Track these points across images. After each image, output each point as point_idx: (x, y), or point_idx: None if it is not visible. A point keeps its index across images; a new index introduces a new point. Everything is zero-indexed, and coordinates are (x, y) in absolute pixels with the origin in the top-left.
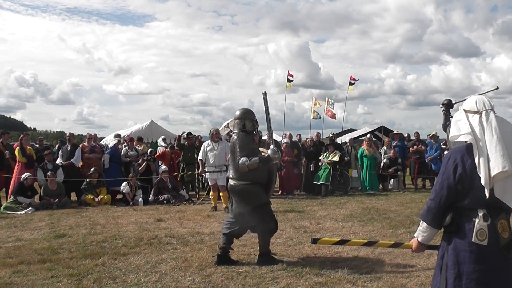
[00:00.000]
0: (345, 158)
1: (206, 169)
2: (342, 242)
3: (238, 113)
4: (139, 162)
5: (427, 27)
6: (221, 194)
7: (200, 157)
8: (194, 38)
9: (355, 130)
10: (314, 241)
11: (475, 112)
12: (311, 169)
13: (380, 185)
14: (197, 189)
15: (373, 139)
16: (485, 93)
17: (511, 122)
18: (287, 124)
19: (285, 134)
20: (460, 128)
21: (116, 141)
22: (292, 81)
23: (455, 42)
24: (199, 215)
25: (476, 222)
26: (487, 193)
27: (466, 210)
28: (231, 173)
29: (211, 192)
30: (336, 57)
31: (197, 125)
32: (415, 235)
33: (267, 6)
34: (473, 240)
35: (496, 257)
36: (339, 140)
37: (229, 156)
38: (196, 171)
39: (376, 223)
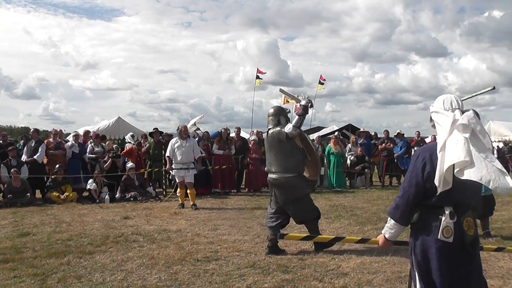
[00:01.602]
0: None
1: (173, 166)
2: (309, 238)
3: (272, 110)
4: (105, 159)
5: (395, 27)
6: (188, 191)
7: (167, 154)
8: (163, 34)
9: (323, 127)
10: (281, 236)
11: (443, 111)
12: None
13: (347, 182)
14: (164, 186)
15: (341, 137)
16: (481, 93)
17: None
18: (255, 121)
19: (253, 132)
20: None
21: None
22: (261, 78)
23: (423, 42)
24: (166, 213)
25: (443, 219)
26: (439, 189)
27: (433, 207)
28: (273, 167)
29: (178, 189)
30: (305, 54)
31: (165, 122)
32: (383, 231)
33: (236, 3)
34: (439, 237)
35: (462, 254)
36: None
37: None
38: (164, 168)
39: (343, 220)
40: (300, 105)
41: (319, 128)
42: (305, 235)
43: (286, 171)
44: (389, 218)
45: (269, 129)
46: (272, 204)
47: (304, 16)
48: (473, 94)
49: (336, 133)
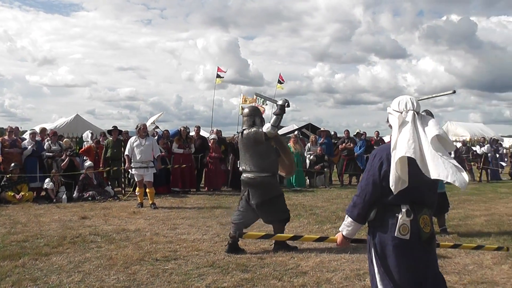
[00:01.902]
0: None
1: (132, 165)
2: (267, 236)
3: (247, 111)
4: (62, 157)
5: (356, 28)
6: (147, 190)
7: (126, 152)
8: (123, 31)
9: (282, 126)
10: (240, 235)
11: (397, 112)
12: (238, 166)
13: (307, 181)
14: (123, 185)
15: (300, 136)
16: (441, 95)
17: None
18: (215, 120)
19: (213, 130)
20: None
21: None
22: (222, 77)
23: (383, 43)
24: (124, 212)
25: (399, 217)
26: (393, 190)
27: (390, 206)
28: (248, 167)
29: (137, 188)
30: (265, 54)
31: (125, 120)
32: (340, 229)
33: (197, 1)
34: (396, 235)
35: (418, 251)
36: None
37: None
38: (123, 167)
39: (303, 219)
40: (277, 105)
41: (279, 128)
42: (263, 233)
43: (262, 171)
44: (346, 216)
45: (244, 129)
46: (242, 203)
47: (265, 15)
48: (433, 95)
49: (295, 132)
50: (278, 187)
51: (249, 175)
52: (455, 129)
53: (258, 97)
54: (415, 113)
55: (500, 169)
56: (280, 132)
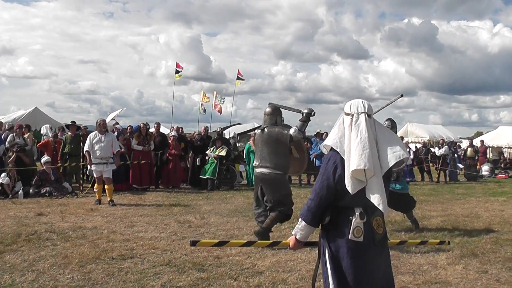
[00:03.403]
0: (233, 153)
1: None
2: (221, 244)
3: (269, 110)
4: (9, 154)
5: (318, 27)
6: (106, 186)
7: (86, 148)
8: (84, 23)
9: (243, 124)
10: (193, 243)
11: (348, 114)
12: (198, 163)
13: None
14: (81, 181)
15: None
16: (392, 102)
17: (396, 122)
18: (176, 117)
19: (173, 127)
20: (332, 133)
21: None
22: (179, 72)
23: (345, 44)
24: (82, 209)
25: (353, 220)
26: (350, 192)
27: (344, 208)
28: (264, 163)
29: (95, 185)
30: (227, 51)
31: (85, 114)
32: (293, 232)
33: None
34: (350, 237)
35: (372, 252)
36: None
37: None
38: (81, 163)
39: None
40: (303, 113)
41: (239, 125)
42: (217, 241)
43: (276, 168)
44: (300, 220)
45: (265, 127)
46: (259, 203)
47: (228, 12)
48: (384, 105)
49: (255, 131)
50: (288, 186)
51: (264, 170)
52: (414, 131)
53: (218, 97)
54: (367, 115)
55: (458, 171)
56: (241, 129)
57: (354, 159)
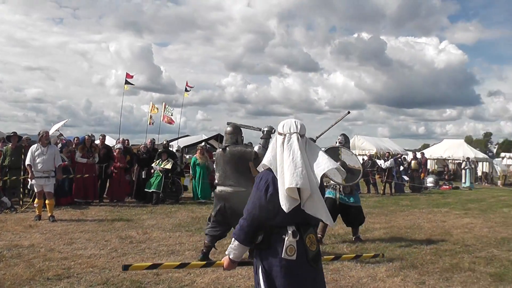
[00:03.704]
0: (179, 166)
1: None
2: (154, 267)
3: (230, 129)
4: None
5: (269, 39)
6: (47, 201)
7: (28, 161)
8: (32, 28)
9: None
10: (125, 267)
11: (281, 134)
12: (143, 176)
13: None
14: (21, 196)
15: (207, 147)
16: (339, 120)
17: (348, 135)
18: (125, 127)
19: (119, 140)
20: (267, 152)
21: None
22: (130, 83)
23: (296, 56)
24: (20, 225)
25: (286, 239)
26: (285, 209)
27: (277, 227)
28: (227, 182)
29: (36, 200)
30: (178, 61)
31: (30, 123)
32: (227, 252)
33: (111, 3)
34: (283, 256)
35: (305, 269)
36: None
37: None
38: (22, 176)
39: (203, 233)
40: (264, 131)
41: (187, 136)
42: (150, 263)
43: (240, 186)
44: (233, 239)
45: (226, 146)
46: (217, 216)
47: (179, 22)
48: (332, 124)
49: (202, 144)
50: None
51: (227, 188)
52: (361, 144)
53: (168, 107)
54: (299, 135)
55: (404, 183)
56: (189, 141)
57: (287, 178)
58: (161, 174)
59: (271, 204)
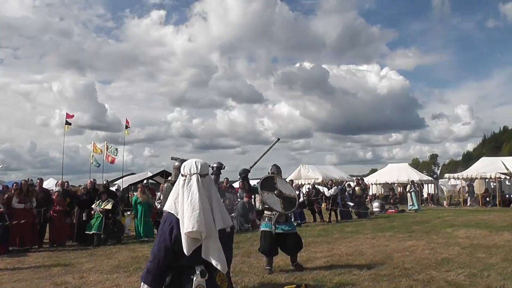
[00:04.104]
0: (120, 206)
1: None
2: None
3: (177, 164)
4: None
5: (212, 73)
6: None
7: None
8: None
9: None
10: None
11: (183, 176)
12: (84, 218)
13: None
14: None
15: (149, 185)
16: (270, 148)
17: (293, 163)
18: (71, 168)
19: (58, 182)
20: (170, 195)
21: None
22: (70, 123)
23: (239, 88)
24: None
25: (195, 279)
26: (186, 252)
27: (185, 268)
28: (227, 218)
29: None
30: (123, 98)
31: None
32: None
33: (52, 42)
34: None
35: None
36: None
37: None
38: None
39: (141, 272)
40: (213, 167)
41: (133, 174)
42: None
43: None
44: (142, 283)
45: (175, 180)
46: None
47: (121, 59)
48: (264, 153)
49: (144, 182)
50: None
51: None
52: (307, 173)
53: (111, 147)
54: (199, 176)
55: (350, 209)
56: (133, 179)
57: (185, 221)
58: (101, 215)
59: (177, 245)
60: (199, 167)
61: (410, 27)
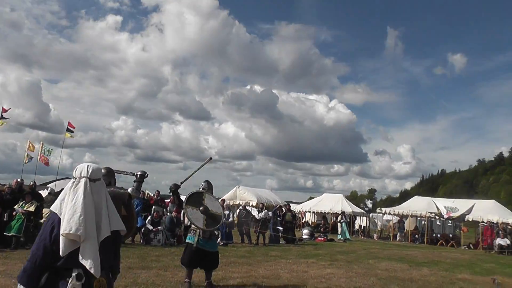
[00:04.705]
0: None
1: None
2: None
3: (104, 171)
4: None
5: (163, 85)
6: None
7: None
8: None
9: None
10: None
11: (73, 178)
12: (5, 219)
13: None
14: None
15: None
16: (202, 165)
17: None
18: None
19: None
20: (59, 197)
21: None
22: (5, 118)
23: (188, 104)
24: None
25: (70, 281)
26: (61, 253)
27: (62, 270)
28: (117, 224)
29: None
30: (68, 100)
31: None
32: None
33: None
34: None
35: None
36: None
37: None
38: None
39: None
40: (137, 174)
41: (67, 179)
42: None
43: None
44: (18, 284)
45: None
46: None
47: (72, 60)
48: (196, 170)
49: None
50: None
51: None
52: (242, 194)
53: (46, 147)
54: (89, 180)
55: (280, 234)
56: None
57: (64, 223)
58: (23, 217)
59: (55, 245)
60: (89, 171)
61: (362, 64)
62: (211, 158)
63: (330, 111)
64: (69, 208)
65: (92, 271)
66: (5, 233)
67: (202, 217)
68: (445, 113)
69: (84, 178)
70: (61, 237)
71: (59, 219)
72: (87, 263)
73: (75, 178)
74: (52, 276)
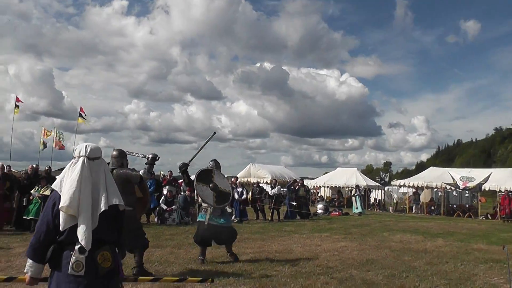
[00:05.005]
0: None
1: None
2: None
3: (116, 153)
4: None
5: (172, 67)
6: None
7: None
8: None
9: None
10: None
11: (74, 157)
12: (24, 203)
13: None
14: None
15: None
16: (206, 142)
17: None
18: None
19: None
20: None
21: None
22: (18, 106)
23: (198, 84)
24: None
25: (73, 254)
26: (61, 227)
27: (66, 244)
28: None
29: None
30: (80, 87)
31: None
32: (25, 270)
33: (9, 24)
34: (69, 272)
35: (94, 286)
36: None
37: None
38: None
39: None
40: (149, 157)
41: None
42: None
43: (128, 205)
44: (28, 259)
45: (113, 168)
46: None
47: (81, 47)
48: (201, 147)
49: None
50: (138, 221)
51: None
52: (257, 171)
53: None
54: (87, 158)
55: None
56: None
57: (63, 197)
58: (39, 201)
59: (58, 220)
60: (88, 150)
61: (371, 36)
62: (215, 133)
63: (342, 85)
64: (68, 183)
65: (82, 243)
66: (23, 217)
67: (212, 193)
68: (459, 81)
69: (83, 157)
70: (61, 213)
71: (60, 196)
72: (79, 235)
73: (74, 157)
74: (57, 250)
